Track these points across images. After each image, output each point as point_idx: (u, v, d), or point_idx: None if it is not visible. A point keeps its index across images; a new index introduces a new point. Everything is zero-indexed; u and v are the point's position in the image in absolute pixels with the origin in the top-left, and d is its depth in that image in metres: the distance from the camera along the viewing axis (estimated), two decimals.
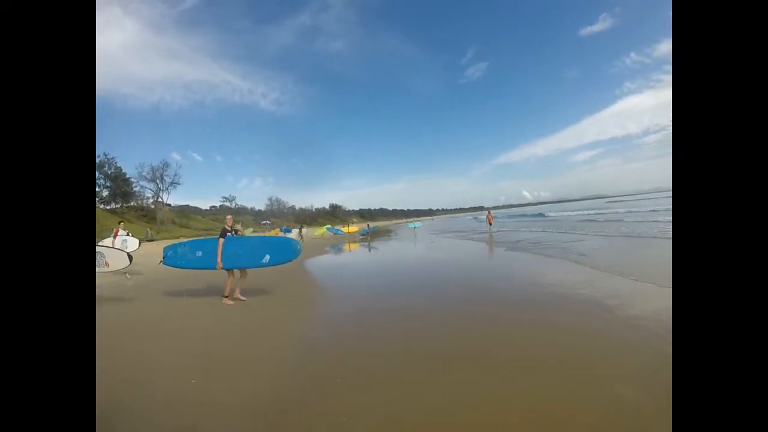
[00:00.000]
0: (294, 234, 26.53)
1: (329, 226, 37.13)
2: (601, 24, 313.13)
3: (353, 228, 34.15)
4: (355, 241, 24.21)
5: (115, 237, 9.23)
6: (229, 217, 6.42)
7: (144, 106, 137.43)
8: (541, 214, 46.02)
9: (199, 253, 6.30)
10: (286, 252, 6.56)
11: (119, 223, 10.29)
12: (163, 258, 6.52)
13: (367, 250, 18.09)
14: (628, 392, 2.57)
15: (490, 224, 22.77)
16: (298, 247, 6.76)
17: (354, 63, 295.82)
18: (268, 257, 6.30)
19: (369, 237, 27.75)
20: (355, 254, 16.58)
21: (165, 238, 42.80)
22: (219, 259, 5.90)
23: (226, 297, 6.04)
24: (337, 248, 19.84)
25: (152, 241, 39.33)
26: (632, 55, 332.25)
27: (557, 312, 4.71)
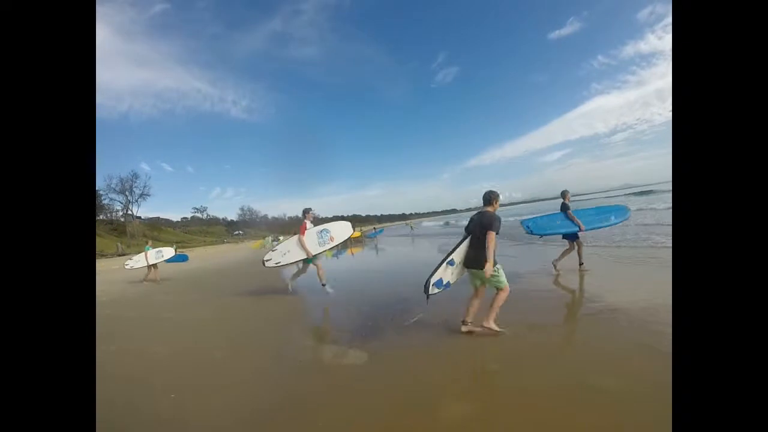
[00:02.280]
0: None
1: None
2: (569, 28, 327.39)
3: (356, 233, 34.29)
4: (359, 245, 24.33)
5: (302, 232, 7.05)
6: (567, 194, 7.26)
7: (112, 116, 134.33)
8: (447, 223, 49.99)
9: (559, 222, 7.20)
10: (621, 213, 7.56)
11: (307, 211, 7.69)
12: (525, 226, 7.15)
13: (364, 251, 18.50)
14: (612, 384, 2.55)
15: None
16: (628, 207, 7.84)
17: (326, 69, 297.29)
18: (612, 218, 7.49)
19: (376, 239, 28.16)
20: (361, 256, 16.55)
21: (137, 252, 43.97)
22: (580, 223, 6.89)
23: (582, 265, 7.02)
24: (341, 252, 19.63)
25: (123, 255, 40.54)
26: (599, 57, 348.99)
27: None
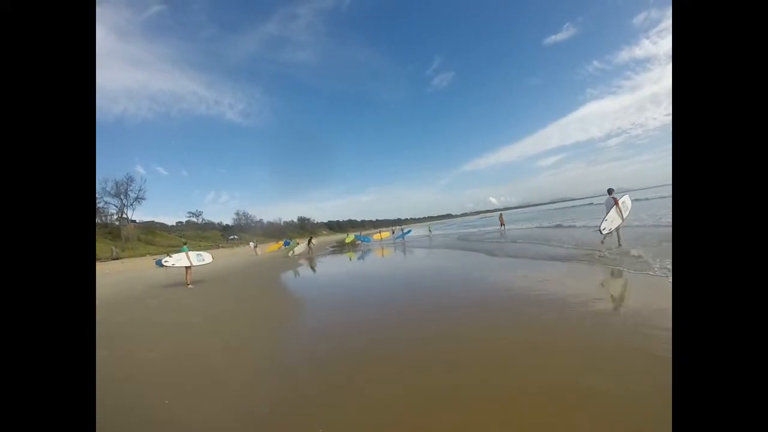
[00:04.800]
0: (302, 246, 25.94)
1: (357, 233, 36.58)
2: (565, 33, 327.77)
3: (385, 233, 33.38)
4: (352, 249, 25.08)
5: (618, 204, 8.97)
6: None
7: (107, 118, 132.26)
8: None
9: None
10: None
11: (613, 190, 9.55)
12: None
13: (385, 253, 18.71)
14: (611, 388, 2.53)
15: (503, 225, 26.45)
16: None
17: (322, 74, 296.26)
18: None
19: (404, 242, 27.93)
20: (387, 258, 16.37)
21: (131, 257, 43.53)
22: None
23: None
24: (365, 253, 20.03)
25: (118, 259, 40.28)
26: (594, 62, 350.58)
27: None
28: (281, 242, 34.66)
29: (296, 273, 13.70)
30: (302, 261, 19.34)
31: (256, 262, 22.25)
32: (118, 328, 6.44)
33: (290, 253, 24.47)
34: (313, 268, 15.16)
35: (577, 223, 20.22)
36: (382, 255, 18.05)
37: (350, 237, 32.51)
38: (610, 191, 9.54)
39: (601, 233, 9.05)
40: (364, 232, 42.22)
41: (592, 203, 44.99)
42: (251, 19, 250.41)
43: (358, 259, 17.34)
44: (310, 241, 26.62)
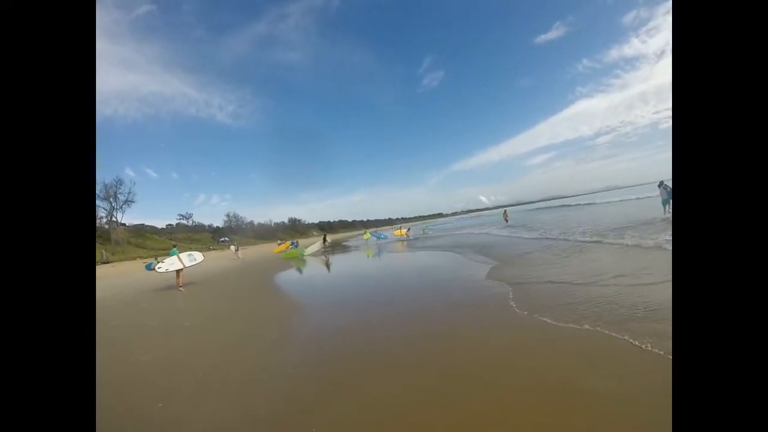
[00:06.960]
0: (317, 245, 26.22)
1: (373, 230, 37.36)
2: (555, 32, 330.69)
3: (403, 231, 33.19)
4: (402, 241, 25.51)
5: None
6: None
7: (97, 120, 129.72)
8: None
9: None
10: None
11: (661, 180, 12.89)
12: None
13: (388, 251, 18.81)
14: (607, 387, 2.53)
15: (506, 220, 28.31)
16: None
17: (312, 75, 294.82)
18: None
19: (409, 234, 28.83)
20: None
21: (121, 260, 42.92)
22: None
23: None
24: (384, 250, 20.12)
25: (108, 263, 39.69)
26: (584, 61, 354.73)
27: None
28: (288, 242, 34.01)
29: (299, 270, 13.86)
30: (301, 262, 19.18)
31: (253, 263, 21.97)
32: (111, 332, 6.36)
33: (302, 254, 23.62)
34: (327, 266, 15.48)
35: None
36: (396, 253, 17.95)
37: (367, 234, 33.05)
38: (660, 183, 12.43)
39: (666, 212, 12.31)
40: (379, 229, 42.69)
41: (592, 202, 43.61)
42: (240, 19, 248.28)
43: (375, 256, 17.26)
44: (324, 239, 27.95)
